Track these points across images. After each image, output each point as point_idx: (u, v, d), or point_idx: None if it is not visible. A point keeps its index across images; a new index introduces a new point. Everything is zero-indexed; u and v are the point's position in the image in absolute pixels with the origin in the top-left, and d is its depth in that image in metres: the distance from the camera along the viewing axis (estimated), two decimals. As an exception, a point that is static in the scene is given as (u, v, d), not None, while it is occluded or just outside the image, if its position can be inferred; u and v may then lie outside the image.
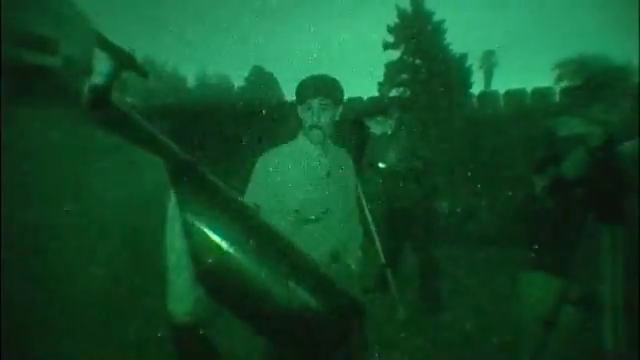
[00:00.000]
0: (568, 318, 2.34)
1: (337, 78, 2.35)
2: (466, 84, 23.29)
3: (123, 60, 1.19)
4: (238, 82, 27.48)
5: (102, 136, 0.96)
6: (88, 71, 0.99)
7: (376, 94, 21.70)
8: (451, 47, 24.02)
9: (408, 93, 22.50)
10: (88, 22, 0.99)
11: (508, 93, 11.07)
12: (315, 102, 2.24)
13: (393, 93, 23.31)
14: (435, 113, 8.78)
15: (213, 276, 1.21)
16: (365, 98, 10.46)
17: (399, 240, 4.26)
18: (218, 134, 11.28)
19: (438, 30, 23.45)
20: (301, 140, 2.36)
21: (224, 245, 1.22)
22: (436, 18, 23.51)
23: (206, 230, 1.20)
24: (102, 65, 1.18)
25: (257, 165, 2.32)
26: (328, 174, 2.31)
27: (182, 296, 1.06)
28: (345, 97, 2.40)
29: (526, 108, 9.03)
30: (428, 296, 4.22)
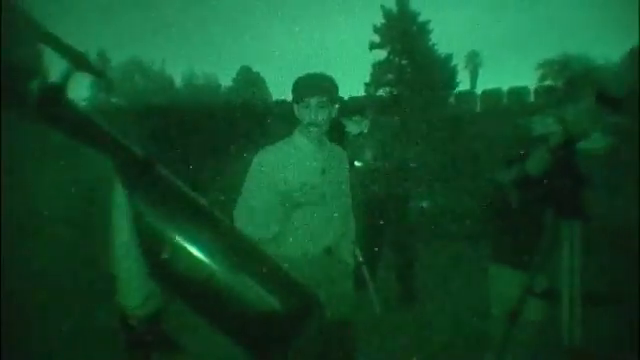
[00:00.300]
0: (533, 311, 2.39)
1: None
2: (451, 84, 23.53)
3: (76, 61, 1.20)
4: (225, 82, 27.46)
5: (49, 135, 0.98)
6: (36, 72, 1.01)
7: (362, 94, 21.78)
8: (436, 47, 24.25)
9: (394, 92, 22.65)
10: (37, 26, 1.02)
11: (484, 92, 11.22)
12: (313, 100, 2.26)
13: (379, 93, 23.45)
14: (419, 112, 8.87)
15: (168, 270, 1.23)
16: (345, 98, 10.53)
17: (376, 237, 4.30)
18: (204, 133, 11.27)
19: (423, 30, 23.63)
20: (297, 137, 2.38)
21: (178, 240, 1.25)
22: (421, 19, 23.66)
23: (160, 226, 1.23)
24: (57, 66, 1.19)
25: (253, 163, 2.34)
26: (323, 171, 2.34)
27: (132, 291, 1.08)
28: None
29: (503, 107, 9.16)
30: (404, 291, 4.29)
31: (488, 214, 2.84)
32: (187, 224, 1.26)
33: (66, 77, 1.22)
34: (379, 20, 23.50)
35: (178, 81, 23.39)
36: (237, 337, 1.32)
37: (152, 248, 1.18)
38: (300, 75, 2.38)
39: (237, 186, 2.36)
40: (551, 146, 2.29)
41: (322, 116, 2.29)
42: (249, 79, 25.22)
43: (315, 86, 2.29)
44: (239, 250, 1.33)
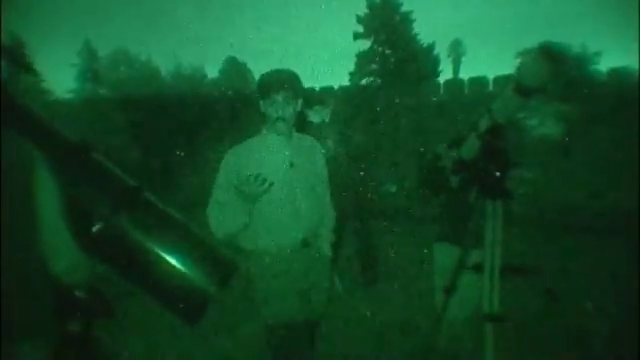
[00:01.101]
0: (467, 284, 2.55)
1: (297, 71, 2.44)
2: (434, 72, 23.65)
3: (14, 62, 1.33)
4: (212, 73, 27.35)
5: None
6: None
7: (347, 83, 21.84)
8: (419, 37, 24.31)
9: (378, 82, 22.74)
10: None
11: (471, 80, 11.31)
12: (279, 96, 2.32)
13: (363, 82, 23.53)
14: (401, 100, 8.97)
15: (100, 241, 1.36)
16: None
17: (340, 221, 4.46)
18: (185, 123, 11.32)
19: (406, 20, 23.66)
20: (265, 134, 2.44)
21: (111, 216, 1.38)
22: (404, 9, 23.66)
23: (91, 204, 1.36)
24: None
25: (223, 161, 2.40)
26: (291, 164, 2.39)
27: (59, 258, 1.22)
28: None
29: (488, 95, 9.32)
30: (366, 270, 4.47)
31: (429, 195, 2.99)
32: (116, 202, 1.40)
33: (7, 75, 1.34)
34: (362, 10, 23.49)
35: (164, 72, 23.33)
36: (162, 300, 1.46)
37: (82, 223, 1.32)
38: (264, 72, 2.42)
39: (211, 178, 2.44)
40: (479, 132, 2.45)
41: (289, 111, 2.35)
42: (235, 70, 25.17)
43: (280, 82, 2.33)
44: (165, 226, 1.48)
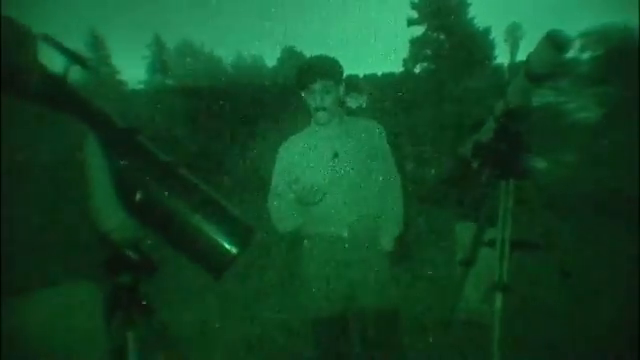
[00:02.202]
0: (483, 257, 2.67)
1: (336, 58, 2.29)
2: (489, 57, 22.99)
3: (71, 57, 1.59)
4: (271, 62, 27.85)
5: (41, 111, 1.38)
6: (33, 68, 1.41)
7: (401, 69, 21.64)
8: (475, 21, 23.65)
9: (432, 67, 22.37)
10: (32, 33, 1.41)
11: (511, 65, 11.01)
12: (317, 85, 2.18)
13: (417, 68, 23.22)
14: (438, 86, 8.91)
15: (142, 207, 1.62)
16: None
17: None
18: (245, 112, 11.68)
19: (461, 4, 23.06)
20: (312, 125, 2.33)
21: (151, 186, 1.63)
22: (459, -7, 23.01)
23: (135, 176, 1.61)
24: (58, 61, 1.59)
25: (278, 154, 2.34)
26: (336, 154, 2.24)
27: (108, 218, 1.48)
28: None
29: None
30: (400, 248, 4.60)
31: (451, 179, 3.10)
32: (154, 174, 1.65)
33: (66, 69, 1.61)
34: (417, -4, 23.06)
35: (226, 62, 24.08)
36: (192, 256, 1.71)
37: (128, 192, 1.58)
38: (302, 61, 2.40)
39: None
40: (495, 116, 2.54)
41: (328, 100, 2.20)
42: (292, 59, 25.51)
43: (317, 71, 2.20)
44: (195, 196, 1.71)
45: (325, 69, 2.23)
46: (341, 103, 2.38)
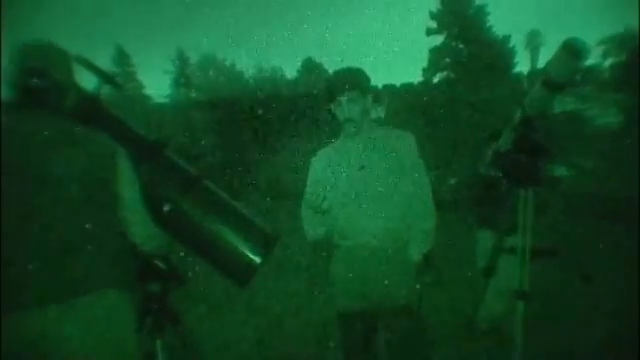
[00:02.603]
0: (504, 265, 2.66)
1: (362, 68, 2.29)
2: (509, 65, 22.79)
3: (102, 77, 1.66)
4: (291, 73, 28.09)
5: (74, 128, 1.45)
6: (69, 87, 1.48)
7: (420, 79, 21.61)
8: (494, 29, 23.52)
9: (452, 76, 22.28)
10: (68, 55, 1.48)
11: (530, 73, 10.91)
12: (343, 98, 2.19)
13: (437, 77, 23.15)
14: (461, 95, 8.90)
15: (169, 219, 1.67)
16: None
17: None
18: (265, 122, 11.81)
19: (480, 13, 22.99)
20: (342, 136, 2.33)
21: (177, 199, 1.68)
22: (478, 1, 22.94)
23: (163, 189, 1.67)
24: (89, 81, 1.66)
25: (310, 165, 2.34)
26: (362, 167, 2.23)
27: (137, 230, 1.54)
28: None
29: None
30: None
31: (474, 188, 3.09)
32: (181, 188, 1.70)
33: (98, 88, 1.68)
34: (435, 6, 23.08)
35: (248, 75, 24.36)
36: (217, 267, 1.75)
37: (156, 204, 1.63)
38: (330, 73, 2.40)
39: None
40: (513, 124, 2.54)
41: (355, 111, 2.20)
42: (311, 70, 25.66)
43: (343, 83, 2.21)
44: (219, 208, 1.76)
45: (351, 80, 2.22)
46: (369, 113, 2.35)
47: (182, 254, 1.80)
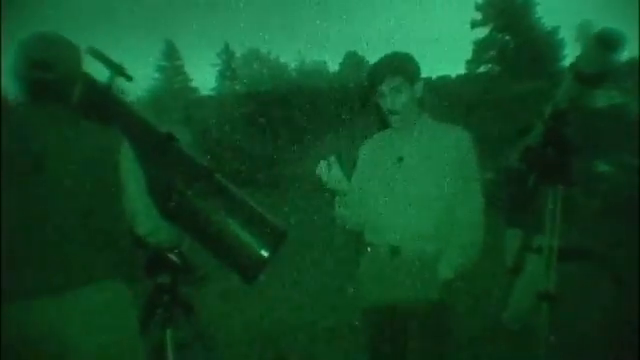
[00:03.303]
0: (531, 265, 2.53)
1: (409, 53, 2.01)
2: (557, 57, 21.88)
3: (114, 69, 1.65)
4: (333, 67, 28.00)
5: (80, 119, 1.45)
6: (76, 80, 1.48)
7: (464, 72, 21.12)
8: (543, 21, 22.62)
9: (496, 69, 21.62)
10: (76, 48, 1.48)
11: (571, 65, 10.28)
12: (385, 86, 1.92)
13: (481, 69, 22.51)
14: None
15: (177, 211, 1.66)
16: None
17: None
18: (307, 116, 11.78)
19: (528, 4, 22.14)
20: (389, 128, 2.06)
21: (186, 191, 1.67)
22: (526, -8, 22.11)
23: (171, 181, 1.66)
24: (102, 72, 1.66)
25: (358, 153, 2.17)
26: (400, 159, 1.99)
27: (142, 222, 1.52)
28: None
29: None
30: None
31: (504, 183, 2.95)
32: (190, 181, 1.68)
33: (110, 80, 1.68)
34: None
35: (290, 68, 24.49)
36: (225, 260, 1.73)
37: (164, 197, 1.62)
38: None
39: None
40: (543, 118, 2.40)
41: (400, 100, 1.92)
42: (355, 63, 25.48)
43: (383, 70, 1.94)
44: (229, 201, 1.73)
45: (394, 66, 1.93)
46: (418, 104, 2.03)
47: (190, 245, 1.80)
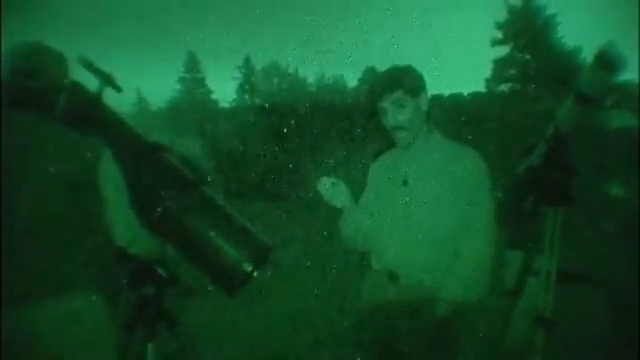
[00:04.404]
0: (532, 287, 2.46)
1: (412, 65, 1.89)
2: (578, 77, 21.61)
3: (103, 79, 1.66)
4: (352, 82, 28.11)
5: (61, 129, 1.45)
6: (62, 89, 1.49)
7: (483, 90, 20.96)
8: (564, 40, 22.41)
9: (517, 88, 21.44)
10: (63, 57, 1.49)
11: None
12: (385, 102, 1.82)
13: (501, 88, 22.34)
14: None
15: (160, 222, 1.64)
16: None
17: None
18: (324, 130, 11.79)
19: (550, 24, 21.98)
20: (397, 146, 1.94)
21: (170, 202, 1.65)
22: (548, 12, 21.98)
23: (155, 192, 1.64)
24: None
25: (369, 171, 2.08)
26: (404, 182, 1.86)
27: (120, 232, 1.51)
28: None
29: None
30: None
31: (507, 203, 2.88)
32: (175, 193, 1.66)
33: (99, 89, 1.68)
34: (502, 16, 22.34)
35: (310, 82, 24.67)
36: (207, 273, 1.70)
37: (147, 208, 1.61)
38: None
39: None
40: (545, 139, 2.35)
41: (403, 116, 1.80)
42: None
43: (382, 85, 1.83)
44: (213, 214, 1.71)
45: (393, 80, 1.82)
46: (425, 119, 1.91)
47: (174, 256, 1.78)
